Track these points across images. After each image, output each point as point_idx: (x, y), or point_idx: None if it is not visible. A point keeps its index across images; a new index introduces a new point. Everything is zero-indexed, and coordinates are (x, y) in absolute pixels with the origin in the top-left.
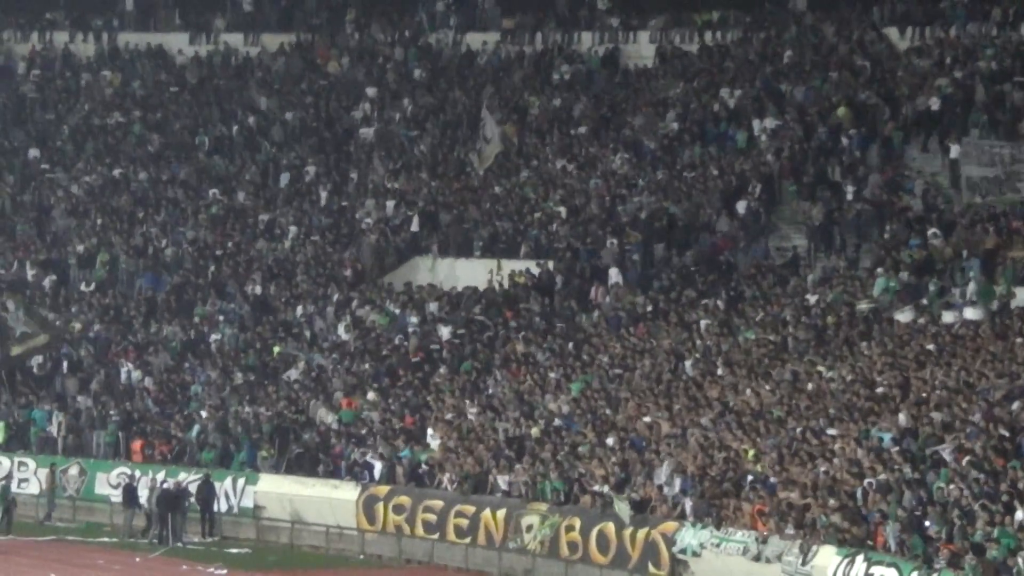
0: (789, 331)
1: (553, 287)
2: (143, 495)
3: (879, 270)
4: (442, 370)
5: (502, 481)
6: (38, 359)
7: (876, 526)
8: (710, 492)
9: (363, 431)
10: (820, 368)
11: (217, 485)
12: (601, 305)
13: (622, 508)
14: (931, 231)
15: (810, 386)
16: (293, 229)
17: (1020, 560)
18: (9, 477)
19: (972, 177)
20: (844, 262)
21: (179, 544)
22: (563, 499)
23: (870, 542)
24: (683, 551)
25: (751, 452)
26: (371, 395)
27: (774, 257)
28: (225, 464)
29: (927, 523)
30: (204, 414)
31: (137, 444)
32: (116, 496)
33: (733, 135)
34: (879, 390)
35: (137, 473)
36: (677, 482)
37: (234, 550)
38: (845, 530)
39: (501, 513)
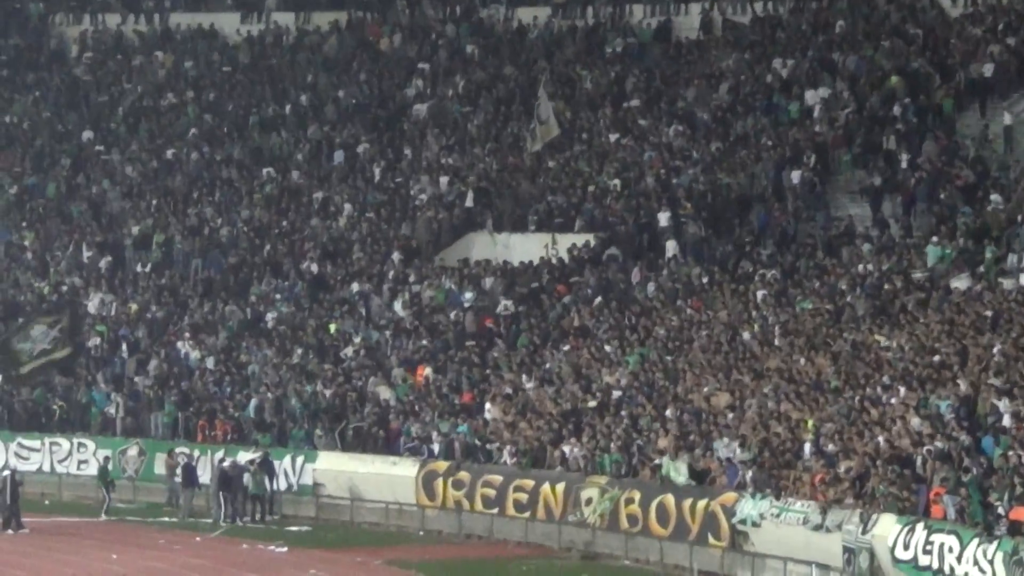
0: (846, 300)
1: (609, 260)
2: (203, 475)
3: (933, 239)
4: (499, 345)
5: (563, 453)
6: (95, 341)
7: (935, 494)
8: (769, 463)
9: (420, 407)
10: (878, 337)
11: (276, 464)
12: (658, 278)
13: (679, 469)
14: (991, 196)
15: (867, 355)
16: (348, 207)
17: None
18: (108, 459)
19: None
20: (901, 231)
21: (239, 523)
22: (623, 472)
23: (929, 511)
24: (743, 522)
25: (810, 422)
26: (428, 370)
27: (830, 227)
28: (283, 443)
29: (987, 490)
30: (264, 393)
31: (200, 424)
32: (177, 477)
33: (786, 106)
34: (936, 358)
35: (196, 453)
36: (737, 453)
37: (294, 528)
38: (904, 499)
39: (560, 487)
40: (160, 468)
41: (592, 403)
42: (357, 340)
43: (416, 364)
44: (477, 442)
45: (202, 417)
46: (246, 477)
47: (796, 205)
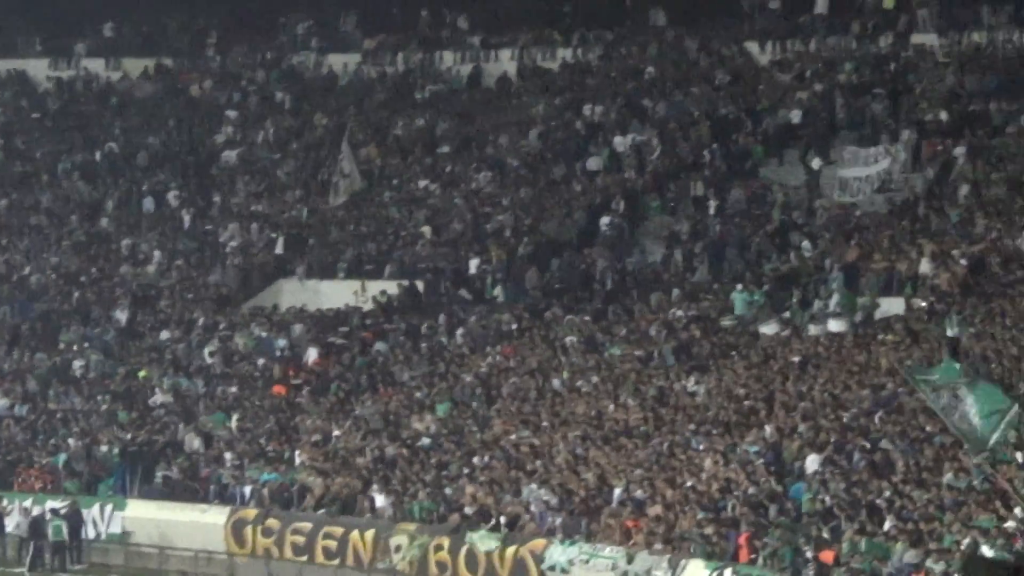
0: (655, 346)
1: (418, 307)
2: (11, 523)
3: (739, 286)
4: (308, 392)
5: (373, 500)
6: None
7: (744, 539)
8: (579, 509)
9: (230, 454)
10: (686, 383)
11: (84, 512)
12: (467, 324)
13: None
14: (798, 243)
15: (676, 401)
16: (157, 254)
17: (886, 569)
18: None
19: (845, 177)
20: (709, 276)
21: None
22: (432, 519)
23: (738, 556)
24: (552, 568)
25: (619, 468)
26: (236, 419)
27: (639, 273)
28: (92, 490)
29: (795, 535)
30: (72, 441)
31: (17, 471)
32: None
33: (596, 152)
34: (745, 403)
35: (4, 502)
36: (545, 499)
37: None
38: (714, 544)
39: (369, 534)
40: None
41: (402, 450)
42: (166, 387)
43: (227, 411)
44: (293, 489)
45: (19, 465)
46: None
47: (605, 251)
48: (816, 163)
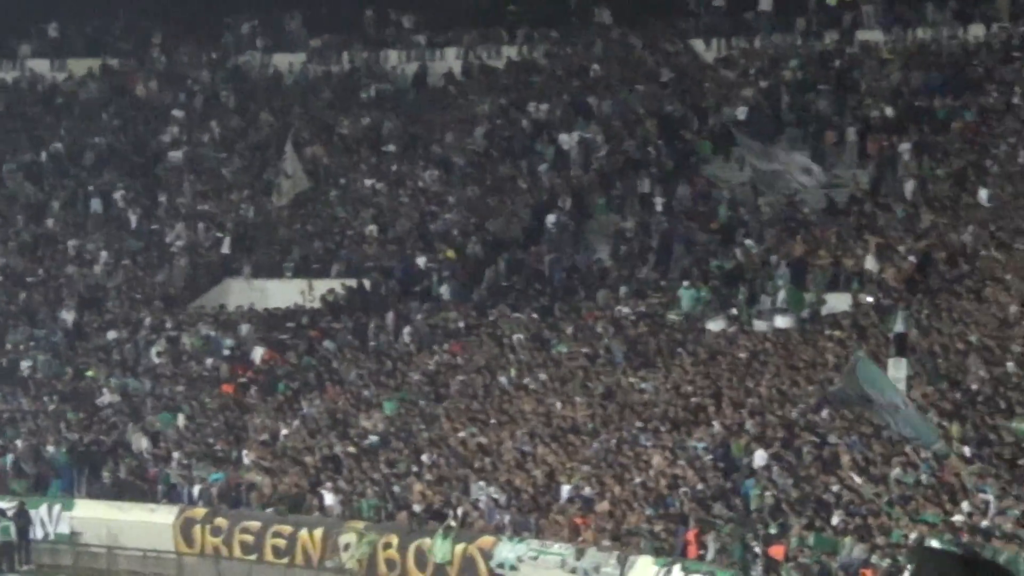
0: (602, 343)
1: (365, 306)
2: None
3: (685, 283)
4: (256, 391)
5: (322, 499)
6: None
7: (693, 535)
8: (527, 506)
9: (178, 454)
10: (633, 380)
11: (33, 512)
12: (414, 322)
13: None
14: (744, 240)
15: (624, 398)
16: (104, 254)
17: (834, 564)
18: None
19: (759, 168)
20: (656, 274)
21: None
22: (381, 517)
23: (686, 552)
24: (501, 565)
25: (567, 464)
26: (184, 418)
27: (586, 270)
28: (41, 491)
29: (743, 531)
30: (19, 442)
31: None
32: None
33: (542, 150)
34: (693, 400)
35: None
36: (494, 497)
37: None
38: (662, 540)
39: (318, 532)
40: None
41: (350, 448)
42: (114, 387)
43: (174, 410)
44: (241, 487)
45: None
46: None
47: (552, 249)
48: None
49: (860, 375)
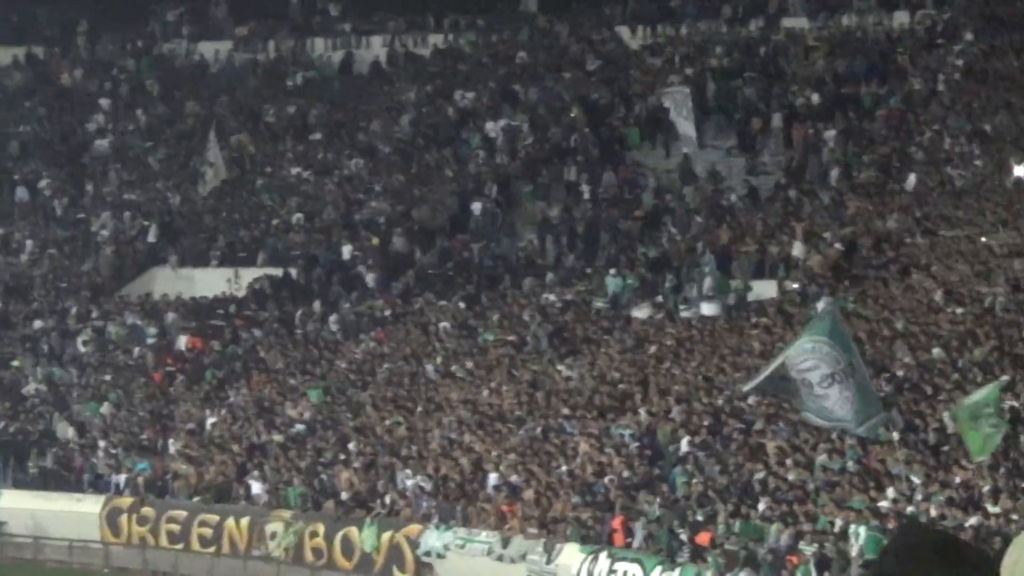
0: (528, 331)
1: (291, 294)
2: None
3: (612, 270)
4: (182, 379)
5: (248, 488)
6: None
7: (619, 523)
8: (454, 494)
9: (104, 443)
10: (559, 367)
11: None
12: (340, 310)
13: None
14: (670, 227)
15: (550, 385)
16: (30, 243)
17: (761, 550)
18: None
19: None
20: (582, 261)
21: None
22: (308, 505)
23: (612, 539)
24: (427, 553)
25: (493, 453)
26: (108, 407)
27: (511, 257)
28: None
29: (669, 518)
30: None
31: None
32: None
33: (467, 137)
34: (619, 387)
35: None
36: (420, 485)
37: None
38: (588, 528)
39: (245, 521)
40: None
41: (276, 437)
42: (40, 377)
43: (100, 400)
44: (167, 477)
45: None
46: None
47: (478, 236)
48: (687, 148)
49: (830, 320)
